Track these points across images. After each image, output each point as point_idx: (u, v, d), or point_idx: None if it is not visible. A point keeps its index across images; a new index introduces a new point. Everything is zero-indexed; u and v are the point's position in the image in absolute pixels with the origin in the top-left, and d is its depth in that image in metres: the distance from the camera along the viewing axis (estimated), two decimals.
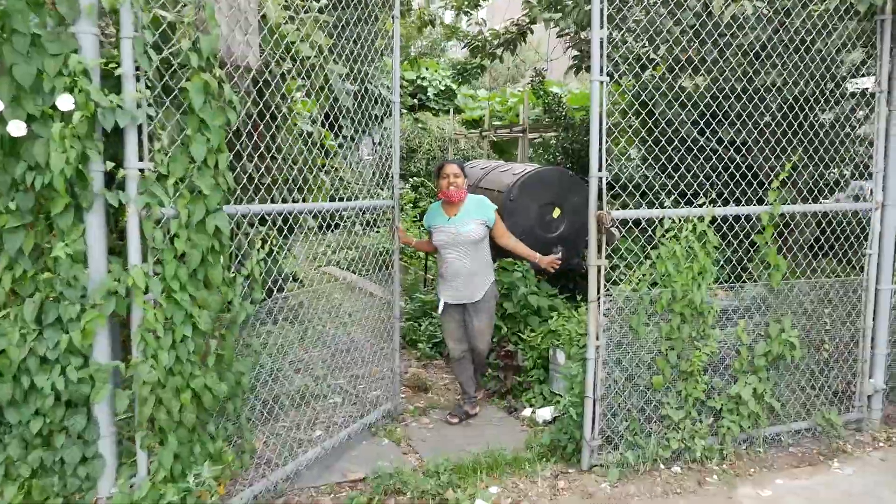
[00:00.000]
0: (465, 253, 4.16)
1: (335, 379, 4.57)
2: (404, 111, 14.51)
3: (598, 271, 3.46)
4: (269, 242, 3.12)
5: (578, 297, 6.02)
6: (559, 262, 4.35)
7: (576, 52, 6.43)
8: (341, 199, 4.50)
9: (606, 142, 3.47)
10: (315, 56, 3.42)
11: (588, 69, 6.73)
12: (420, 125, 12.86)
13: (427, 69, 15.84)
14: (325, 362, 4.53)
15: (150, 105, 2.48)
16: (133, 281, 2.44)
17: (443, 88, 15.67)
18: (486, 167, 6.47)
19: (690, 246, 3.57)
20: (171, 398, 2.54)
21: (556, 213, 5.77)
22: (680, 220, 3.60)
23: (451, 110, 12.68)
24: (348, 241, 7.36)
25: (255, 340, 2.99)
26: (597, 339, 3.51)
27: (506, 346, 5.02)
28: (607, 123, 3.46)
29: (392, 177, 4.20)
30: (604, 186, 3.45)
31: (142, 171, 2.47)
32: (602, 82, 3.39)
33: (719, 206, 3.80)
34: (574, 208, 5.83)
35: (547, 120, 8.17)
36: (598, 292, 3.47)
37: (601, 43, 3.35)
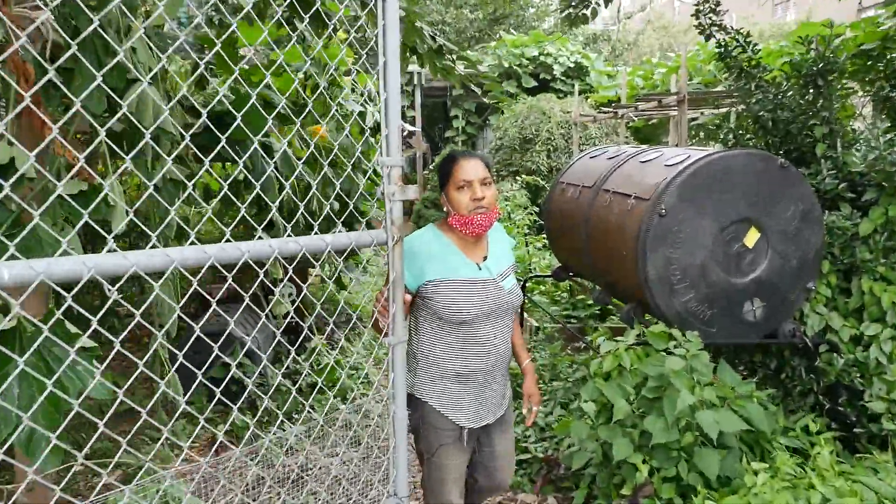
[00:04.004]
0: (505, 329, 2.22)
1: None
2: (519, 93, 11.96)
3: None
4: None
5: (800, 406, 3.25)
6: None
7: None
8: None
9: None
10: None
11: None
12: (506, 104, 10.13)
13: (553, 44, 13.14)
14: None
15: None
16: None
17: (571, 65, 12.89)
18: (616, 156, 3.89)
19: None
20: None
21: (753, 237, 3.07)
22: None
23: (577, 90, 9.89)
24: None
25: None
26: None
27: None
28: None
29: (387, 178, 1.84)
30: None
31: None
32: None
33: None
34: (786, 229, 3.10)
35: (724, 81, 5.20)
36: None
37: None
